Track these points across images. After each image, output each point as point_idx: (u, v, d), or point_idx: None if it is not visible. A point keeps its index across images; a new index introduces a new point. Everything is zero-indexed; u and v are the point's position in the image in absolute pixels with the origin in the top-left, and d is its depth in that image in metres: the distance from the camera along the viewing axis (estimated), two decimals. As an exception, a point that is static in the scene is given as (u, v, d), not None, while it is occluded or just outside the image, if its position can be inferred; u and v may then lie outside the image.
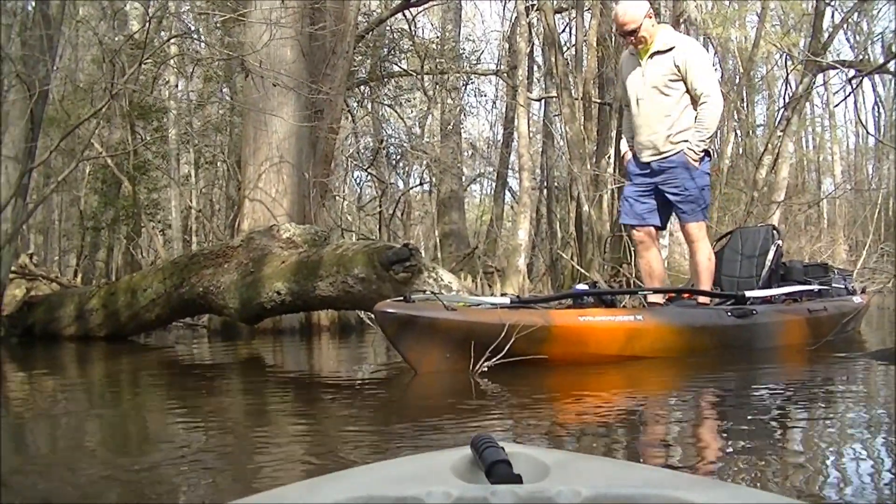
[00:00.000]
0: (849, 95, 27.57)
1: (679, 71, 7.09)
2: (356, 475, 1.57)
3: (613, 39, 19.32)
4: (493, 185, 30.64)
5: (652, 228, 7.50)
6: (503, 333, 5.56)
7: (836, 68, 18.49)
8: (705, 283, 7.29)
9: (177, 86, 20.55)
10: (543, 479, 1.42)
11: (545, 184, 26.62)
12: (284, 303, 9.05)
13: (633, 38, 7.22)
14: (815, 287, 8.12)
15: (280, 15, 11.75)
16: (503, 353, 5.57)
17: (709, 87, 7.13)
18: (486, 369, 5.58)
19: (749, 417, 4.18)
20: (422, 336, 5.62)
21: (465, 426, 4.05)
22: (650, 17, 7.18)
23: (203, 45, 18.42)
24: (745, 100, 37.97)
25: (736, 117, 34.69)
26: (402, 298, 5.66)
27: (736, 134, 34.48)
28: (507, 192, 29.38)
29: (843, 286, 8.73)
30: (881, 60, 19.76)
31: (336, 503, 1.32)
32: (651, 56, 7.19)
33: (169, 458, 3.53)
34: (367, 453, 3.49)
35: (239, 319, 9.85)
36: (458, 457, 1.54)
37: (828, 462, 3.16)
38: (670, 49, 7.13)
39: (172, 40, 16.23)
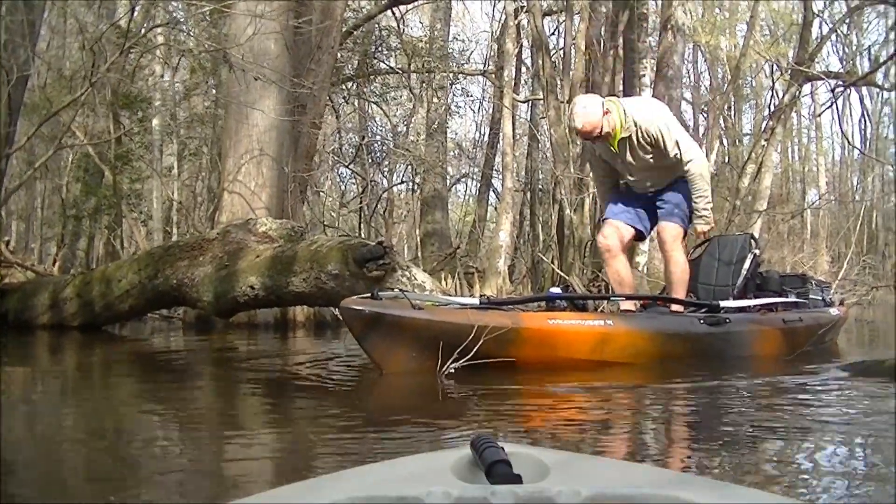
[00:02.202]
0: (830, 105, 27.54)
1: (653, 141, 7.05)
2: (356, 475, 1.57)
3: (602, 43, 19.35)
4: (478, 185, 30.65)
5: (624, 233, 7.46)
6: (471, 334, 5.46)
7: (821, 79, 18.53)
8: (679, 292, 7.25)
9: (162, 76, 20.50)
10: (543, 479, 1.42)
11: (529, 186, 26.60)
12: (258, 297, 9.00)
13: (598, 140, 7.21)
14: (792, 298, 8.09)
15: (265, 8, 11.70)
16: (471, 354, 5.46)
17: (685, 148, 7.10)
18: (453, 370, 5.51)
19: (721, 425, 4.15)
20: (388, 335, 5.53)
21: (430, 429, 3.99)
22: (607, 113, 7.03)
23: (189, 35, 18.35)
24: (732, 108, 38.11)
25: (723, 125, 34.83)
26: (369, 295, 5.59)
27: (722, 142, 34.59)
28: (491, 193, 29.40)
29: (820, 297, 8.67)
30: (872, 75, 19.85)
31: (336, 503, 1.31)
32: (620, 141, 7.14)
33: (133, 456, 3.47)
34: (334, 457, 3.44)
35: (212, 313, 9.81)
36: (457, 457, 1.54)
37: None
38: (636, 128, 7.07)
39: (159, 30, 16.19)
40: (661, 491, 1.32)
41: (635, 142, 7.09)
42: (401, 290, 6.22)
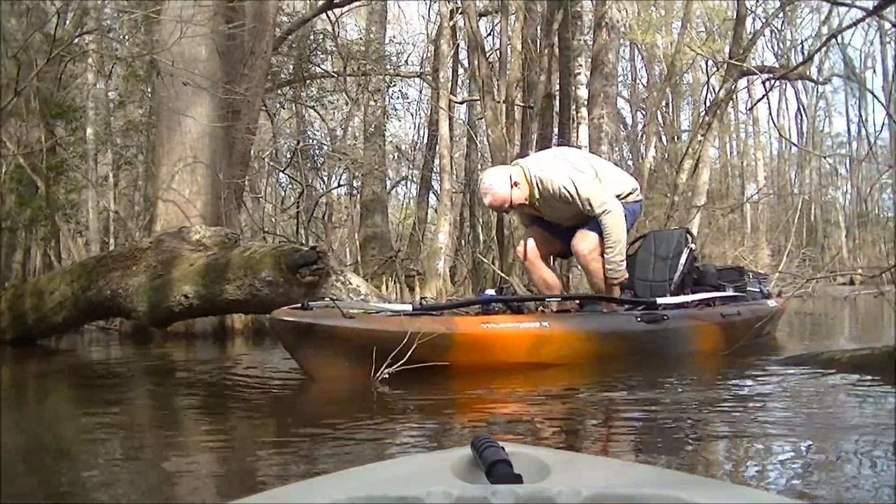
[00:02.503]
0: (762, 99, 27.91)
1: (564, 198, 7.07)
2: (356, 475, 1.58)
3: (537, 43, 19.37)
4: (417, 188, 30.63)
5: (541, 244, 7.51)
6: (404, 341, 5.42)
7: (755, 73, 18.68)
8: (612, 291, 7.26)
9: (95, 84, 20.27)
10: (543, 479, 1.44)
11: (468, 187, 26.63)
12: (193, 306, 8.91)
13: (511, 210, 7.50)
14: (729, 292, 8.11)
15: (193, 13, 11.57)
16: (404, 360, 5.42)
17: (597, 203, 7.07)
18: (387, 376, 5.47)
19: (651, 426, 4.14)
20: (320, 345, 5.47)
21: (365, 438, 3.96)
22: (515, 185, 7.10)
23: (120, 43, 18.16)
24: (669, 105, 38.40)
25: (660, 122, 35.08)
26: (299, 306, 5.54)
27: (660, 138, 34.84)
28: (430, 195, 29.40)
29: (758, 289, 8.72)
30: (804, 68, 20.04)
31: (336, 503, 1.32)
32: (538, 199, 7.21)
33: (63, 472, 3.40)
34: (274, 468, 3.40)
35: (147, 323, 9.71)
36: (458, 457, 1.57)
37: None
38: (548, 190, 7.12)
39: (90, 38, 16.00)
40: (661, 491, 1.32)
41: (548, 198, 7.14)
42: (332, 298, 6.16)
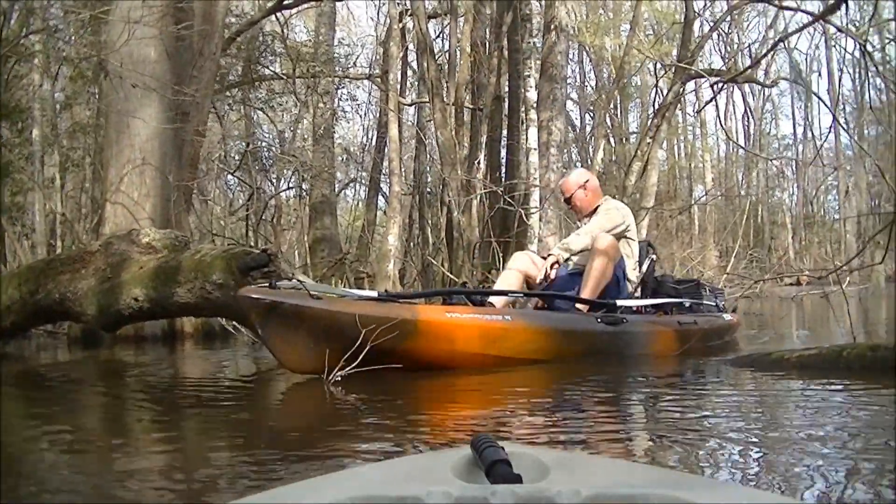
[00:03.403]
0: (709, 102, 28.25)
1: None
2: (356, 475, 1.62)
3: (487, 45, 19.44)
4: (366, 190, 30.63)
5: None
6: (370, 325, 5.42)
7: (702, 76, 18.84)
8: (589, 291, 7.32)
9: (41, 85, 20.08)
10: (543, 479, 1.43)
11: (417, 189, 26.65)
12: (143, 309, 8.82)
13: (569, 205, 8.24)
14: (687, 302, 8.24)
15: (142, 14, 11.49)
16: (368, 346, 5.41)
17: (596, 226, 7.74)
18: (347, 367, 5.47)
19: (615, 416, 4.17)
20: (286, 324, 5.47)
21: (326, 439, 3.94)
22: (583, 188, 7.98)
23: (66, 43, 18.00)
24: (618, 107, 38.65)
25: (609, 124, 35.26)
26: (267, 284, 5.56)
27: (609, 140, 35.03)
28: (379, 197, 29.40)
29: (714, 303, 8.82)
30: (750, 71, 20.26)
31: (336, 503, 1.32)
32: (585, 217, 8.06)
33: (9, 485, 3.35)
34: (226, 471, 3.37)
35: (97, 326, 9.60)
36: (457, 457, 1.56)
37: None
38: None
39: (36, 38, 15.86)
40: (661, 491, 1.32)
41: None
42: (298, 279, 6.16)
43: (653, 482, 1.44)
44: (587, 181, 8.06)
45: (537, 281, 7.44)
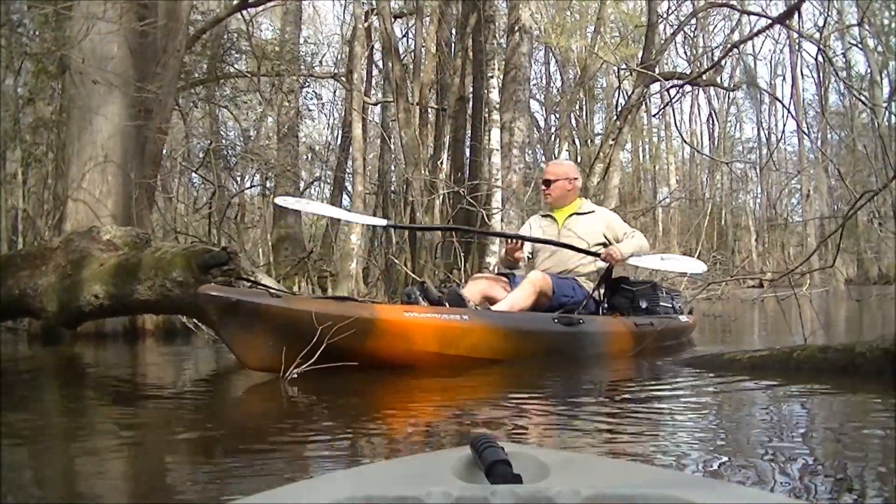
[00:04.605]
0: (668, 105, 28.31)
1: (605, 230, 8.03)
2: (356, 475, 1.63)
3: (452, 47, 19.48)
4: (331, 189, 30.60)
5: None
6: (327, 323, 5.44)
7: (667, 79, 18.93)
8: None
9: (3, 80, 19.93)
10: (543, 479, 1.44)
11: (381, 188, 26.66)
12: (103, 306, 8.79)
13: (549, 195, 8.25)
14: (642, 304, 8.30)
15: (105, 9, 11.44)
16: (325, 343, 5.43)
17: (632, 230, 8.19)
18: (304, 364, 5.51)
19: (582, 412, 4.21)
20: (246, 322, 5.46)
21: (283, 440, 3.96)
22: (569, 181, 8.20)
23: (29, 38, 17.88)
24: (584, 109, 38.74)
25: (574, 126, 35.36)
26: (227, 282, 5.60)
27: (573, 142, 35.11)
28: (343, 196, 29.36)
29: (670, 305, 8.87)
30: (713, 75, 20.39)
31: (336, 503, 1.33)
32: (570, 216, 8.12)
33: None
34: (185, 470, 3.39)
35: (57, 323, 9.56)
36: (457, 457, 1.57)
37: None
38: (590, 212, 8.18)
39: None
40: (661, 491, 1.34)
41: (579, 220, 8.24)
42: (255, 281, 6.20)
43: (653, 482, 1.46)
44: (576, 178, 8.33)
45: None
